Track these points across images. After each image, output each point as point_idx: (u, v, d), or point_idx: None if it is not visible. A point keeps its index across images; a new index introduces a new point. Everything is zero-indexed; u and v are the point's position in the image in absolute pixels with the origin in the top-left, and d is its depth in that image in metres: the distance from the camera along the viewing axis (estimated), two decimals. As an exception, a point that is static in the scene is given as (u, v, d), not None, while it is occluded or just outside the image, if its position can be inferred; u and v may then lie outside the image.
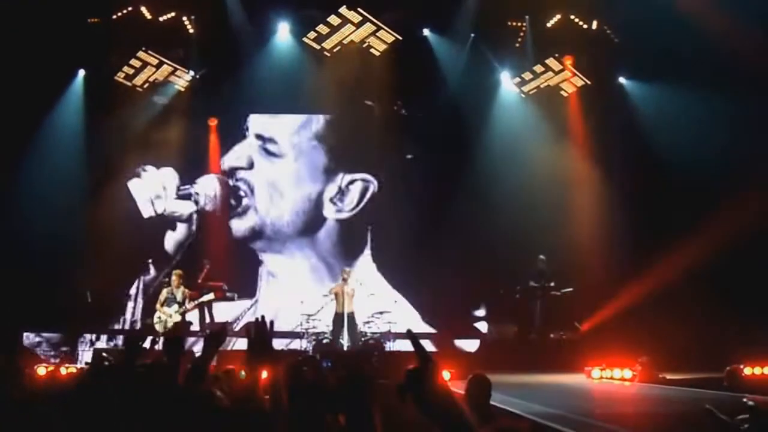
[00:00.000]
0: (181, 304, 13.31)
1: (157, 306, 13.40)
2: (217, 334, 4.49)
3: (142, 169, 17.99)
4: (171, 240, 17.86)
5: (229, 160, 18.23)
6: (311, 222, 18.04)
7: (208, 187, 18.16)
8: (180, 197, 18.02)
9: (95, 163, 17.15)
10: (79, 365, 13.91)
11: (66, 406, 4.06)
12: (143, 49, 17.22)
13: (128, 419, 3.85)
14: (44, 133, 16.72)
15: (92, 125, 17.23)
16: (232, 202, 18.11)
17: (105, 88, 17.38)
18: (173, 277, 13.59)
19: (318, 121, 18.51)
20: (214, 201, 18.11)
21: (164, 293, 13.46)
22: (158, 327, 13.25)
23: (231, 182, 18.18)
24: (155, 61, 17.49)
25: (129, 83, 17.68)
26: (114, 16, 17.11)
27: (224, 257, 16.85)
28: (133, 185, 17.98)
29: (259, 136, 18.37)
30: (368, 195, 18.20)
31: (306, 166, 18.36)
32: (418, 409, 2.37)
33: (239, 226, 17.97)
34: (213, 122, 18.19)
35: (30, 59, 15.14)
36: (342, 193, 18.20)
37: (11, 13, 14.72)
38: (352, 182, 18.24)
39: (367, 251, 17.90)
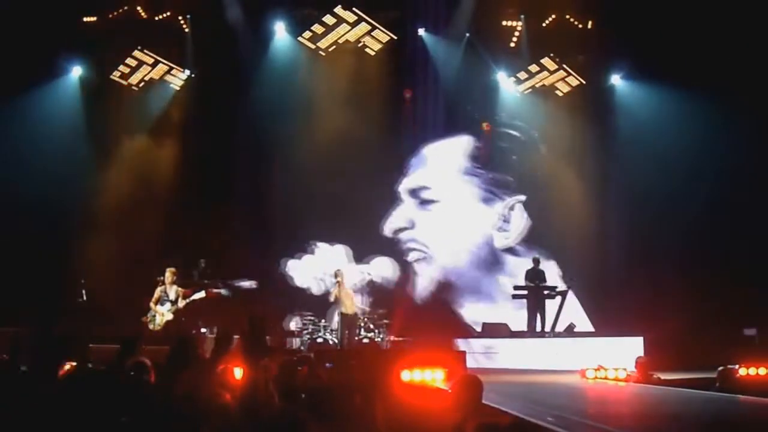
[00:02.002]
0: (174, 302, 13.28)
1: (151, 304, 13.36)
2: (226, 335, 4.46)
3: (314, 245, 17.57)
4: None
5: (391, 224, 17.88)
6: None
7: (382, 267, 17.70)
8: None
9: (95, 151, 17.05)
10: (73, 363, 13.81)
11: (58, 405, 4.06)
12: (139, 47, 17.22)
13: (118, 420, 3.85)
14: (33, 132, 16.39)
15: (90, 120, 17.18)
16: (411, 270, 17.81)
17: (101, 86, 17.40)
18: (167, 274, 13.51)
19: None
20: (388, 280, 17.67)
21: (158, 291, 13.41)
22: (151, 326, 13.21)
23: (401, 245, 17.86)
24: (151, 60, 17.49)
25: (125, 82, 17.68)
26: (110, 15, 17.14)
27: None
28: (306, 261, 17.49)
29: (411, 192, 18.09)
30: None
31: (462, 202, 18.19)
32: None
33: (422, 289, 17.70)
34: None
35: (25, 54, 15.09)
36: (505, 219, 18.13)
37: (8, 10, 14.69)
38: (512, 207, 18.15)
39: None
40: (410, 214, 18.01)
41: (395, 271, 17.69)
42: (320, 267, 17.20)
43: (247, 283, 15.76)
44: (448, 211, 18.07)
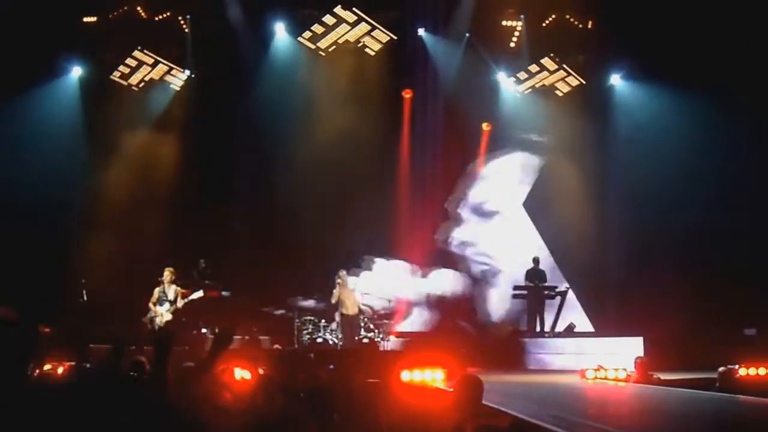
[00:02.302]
0: (173, 302, 13.26)
1: (150, 305, 13.34)
2: (225, 333, 4.47)
3: (371, 260, 17.60)
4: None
5: (456, 238, 17.97)
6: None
7: (444, 280, 17.77)
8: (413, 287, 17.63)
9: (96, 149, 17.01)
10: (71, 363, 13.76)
11: (57, 405, 4.06)
12: (139, 47, 17.22)
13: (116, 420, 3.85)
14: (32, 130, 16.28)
15: (90, 120, 17.15)
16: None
17: (101, 86, 17.40)
18: (165, 274, 13.49)
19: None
20: (450, 293, 17.67)
21: (156, 292, 13.40)
22: (151, 326, 13.19)
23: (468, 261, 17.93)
24: (151, 60, 17.49)
25: (125, 82, 17.68)
26: (110, 15, 17.14)
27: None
28: (363, 276, 17.37)
29: (473, 208, 18.20)
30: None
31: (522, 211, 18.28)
32: None
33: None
34: None
35: (25, 54, 15.06)
36: None
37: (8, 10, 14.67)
38: None
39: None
40: (472, 227, 18.16)
41: (457, 283, 17.73)
42: (378, 283, 17.10)
43: (307, 302, 15.90)
44: (510, 221, 18.24)
